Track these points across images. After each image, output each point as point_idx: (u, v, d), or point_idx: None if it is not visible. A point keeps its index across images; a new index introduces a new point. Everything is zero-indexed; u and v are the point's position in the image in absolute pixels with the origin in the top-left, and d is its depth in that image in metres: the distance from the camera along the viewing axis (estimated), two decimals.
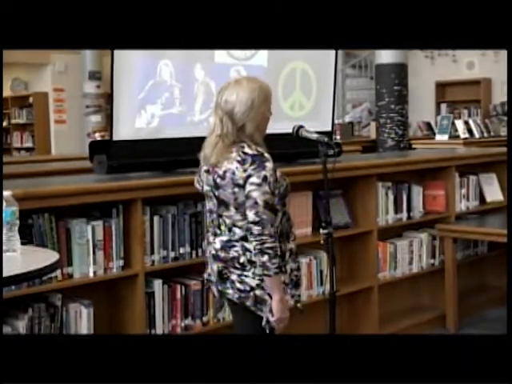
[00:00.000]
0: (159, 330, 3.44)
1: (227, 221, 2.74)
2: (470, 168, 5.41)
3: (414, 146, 8.19)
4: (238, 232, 2.71)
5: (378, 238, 4.55)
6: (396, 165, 4.81)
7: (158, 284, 3.45)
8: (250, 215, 2.62)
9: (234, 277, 2.74)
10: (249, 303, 2.74)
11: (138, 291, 3.36)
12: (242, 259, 2.72)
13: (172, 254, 3.52)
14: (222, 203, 2.73)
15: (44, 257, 2.45)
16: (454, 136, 7.72)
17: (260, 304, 2.72)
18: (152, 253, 3.44)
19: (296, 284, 2.86)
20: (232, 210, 2.71)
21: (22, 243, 2.53)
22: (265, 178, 2.62)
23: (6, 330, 2.92)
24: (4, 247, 2.41)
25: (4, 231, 2.43)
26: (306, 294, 4.12)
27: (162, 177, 3.61)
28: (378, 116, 8.54)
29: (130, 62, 3.61)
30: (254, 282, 2.71)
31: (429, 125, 10.27)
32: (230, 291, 2.76)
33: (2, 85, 11.17)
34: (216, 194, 2.75)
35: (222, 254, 2.76)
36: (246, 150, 2.68)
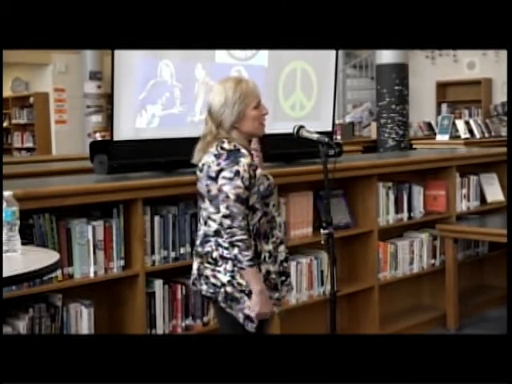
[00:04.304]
0: (160, 330, 3.45)
1: (204, 213, 2.80)
2: (471, 168, 5.41)
3: (414, 146, 8.18)
4: (213, 225, 2.75)
5: (378, 238, 4.55)
6: (397, 165, 4.81)
7: (158, 284, 3.45)
8: (222, 209, 2.68)
9: (207, 272, 2.78)
10: (220, 299, 2.77)
11: (139, 291, 3.36)
12: (214, 254, 2.76)
13: (173, 254, 3.52)
14: (200, 196, 2.83)
15: (44, 257, 2.45)
16: (454, 136, 7.71)
17: (231, 301, 2.74)
18: (152, 253, 3.45)
19: (274, 287, 2.82)
20: (206, 202, 2.77)
21: (23, 243, 2.53)
22: (237, 173, 2.67)
23: (7, 329, 2.93)
24: (4, 247, 2.42)
25: (4, 231, 2.43)
26: (306, 294, 4.13)
27: (163, 177, 3.61)
28: (379, 116, 8.53)
29: (131, 62, 3.61)
30: (225, 279, 2.74)
31: (429, 125, 10.26)
32: (204, 287, 2.81)
33: (2, 85, 11.18)
34: (197, 187, 2.84)
35: (199, 249, 2.83)
36: (224, 145, 2.75)
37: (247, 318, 2.73)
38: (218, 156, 2.72)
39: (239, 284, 2.72)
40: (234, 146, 2.74)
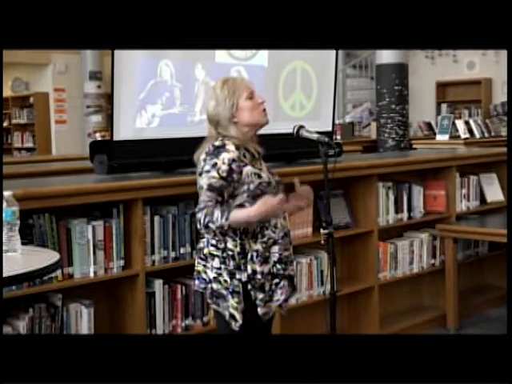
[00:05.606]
0: (160, 330, 3.45)
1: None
2: (471, 168, 5.40)
3: (414, 146, 8.18)
4: None
5: (378, 238, 4.54)
6: (396, 165, 4.81)
7: (158, 284, 3.45)
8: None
9: (200, 267, 2.81)
10: (207, 295, 2.80)
11: (139, 291, 3.36)
12: (205, 250, 2.78)
13: (172, 254, 3.52)
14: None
15: (44, 257, 2.45)
16: (454, 136, 7.71)
17: (217, 298, 2.76)
18: (152, 253, 3.45)
19: (260, 287, 2.76)
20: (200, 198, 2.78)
21: (23, 243, 2.53)
22: (214, 165, 2.69)
23: (7, 329, 2.93)
24: (4, 247, 2.42)
25: (4, 231, 2.43)
26: (306, 293, 4.13)
27: (163, 177, 3.61)
28: (379, 116, 8.53)
29: (131, 62, 3.61)
30: (211, 275, 2.76)
31: (429, 125, 10.26)
32: (196, 282, 2.83)
33: (3, 85, 11.19)
34: None
35: (197, 245, 2.88)
36: (215, 143, 2.76)
37: (231, 316, 2.73)
38: (206, 153, 2.74)
39: (225, 281, 2.72)
40: (224, 143, 2.74)
